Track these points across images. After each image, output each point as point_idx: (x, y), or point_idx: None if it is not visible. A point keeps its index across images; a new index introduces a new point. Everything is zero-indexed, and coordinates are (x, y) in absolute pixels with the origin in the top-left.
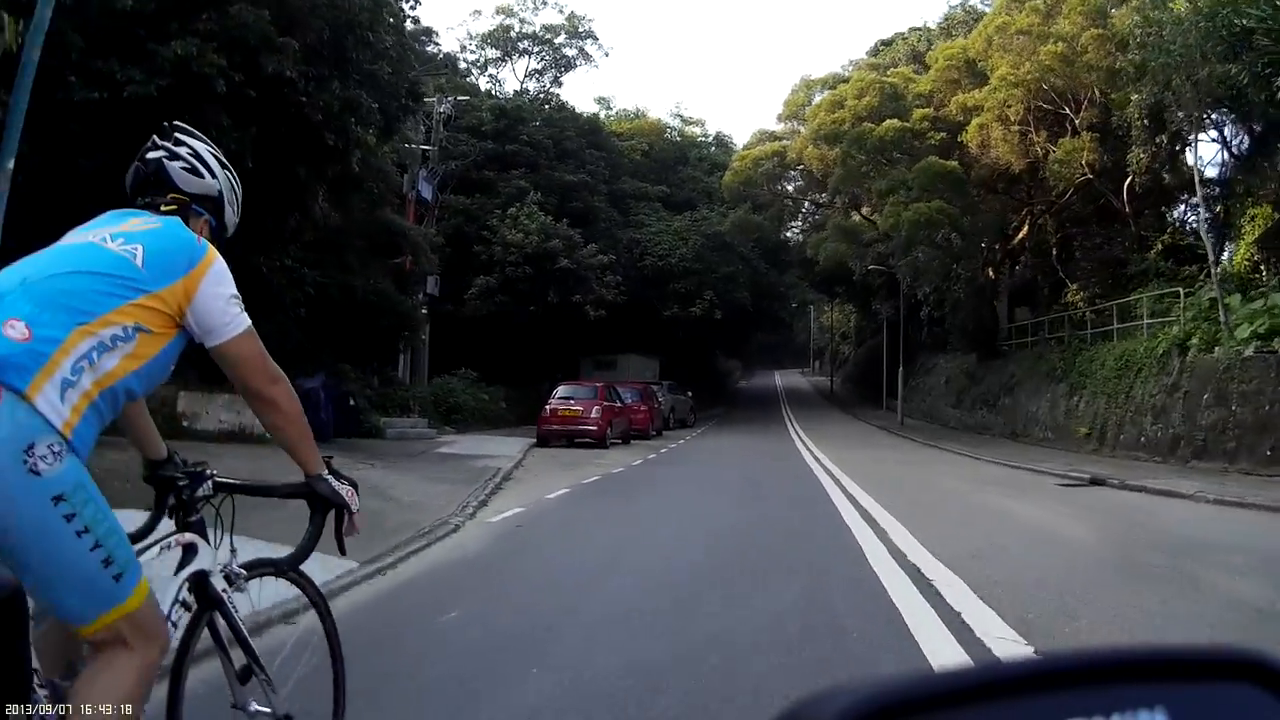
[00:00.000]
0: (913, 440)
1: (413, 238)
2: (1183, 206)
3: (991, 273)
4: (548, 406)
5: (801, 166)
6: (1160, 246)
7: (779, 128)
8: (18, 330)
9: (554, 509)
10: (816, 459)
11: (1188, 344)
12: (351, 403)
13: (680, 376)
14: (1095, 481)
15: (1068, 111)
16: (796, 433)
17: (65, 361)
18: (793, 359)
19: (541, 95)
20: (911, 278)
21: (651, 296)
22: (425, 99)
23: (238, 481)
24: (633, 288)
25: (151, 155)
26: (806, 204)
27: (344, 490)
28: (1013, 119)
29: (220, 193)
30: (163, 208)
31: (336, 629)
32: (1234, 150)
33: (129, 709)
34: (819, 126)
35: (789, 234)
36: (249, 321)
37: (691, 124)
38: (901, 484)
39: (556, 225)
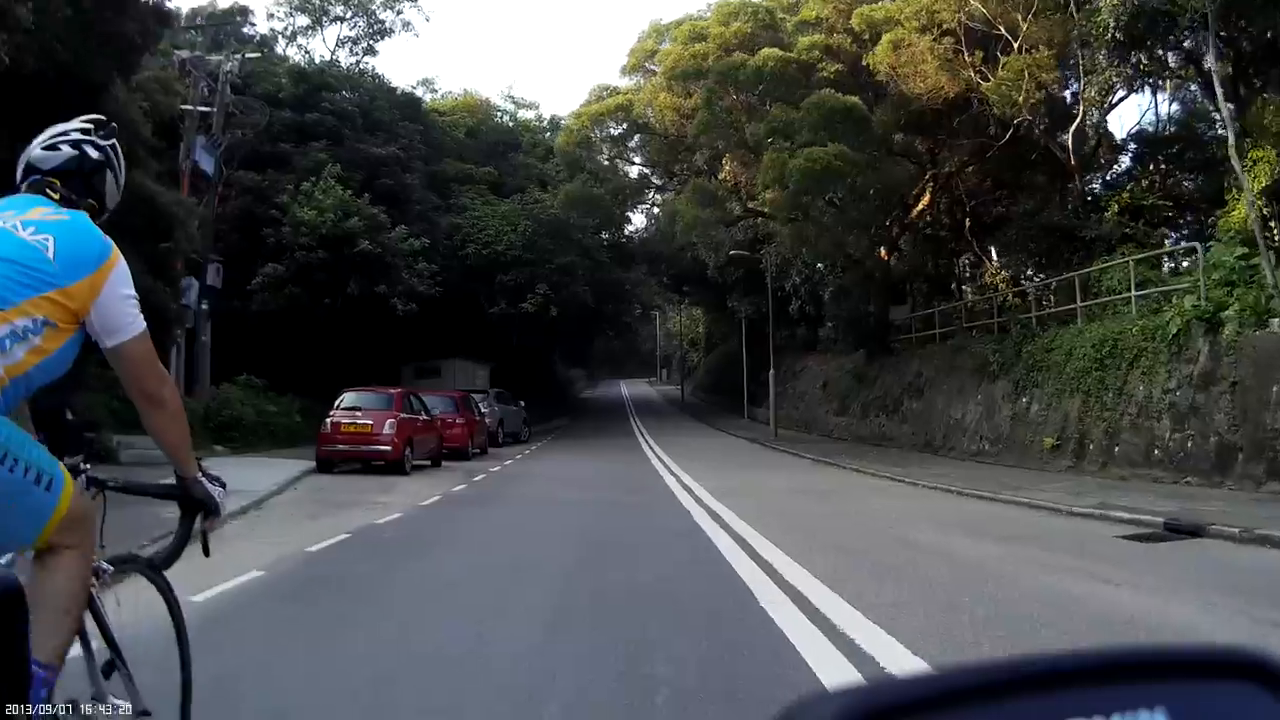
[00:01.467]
0: (800, 456)
1: (165, 207)
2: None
3: (884, 253)
4: (329, 419)
5: (647, 131)
6: (1117, 208)
7: (624, 83)
8: None
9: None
10: (689, 490)
11: (1218, 318)
12: (69, 416)
13: (517, 385)
14: (1178, 529)
15: (1001, 31)
16: (652, 449)
17: None
18: (639, 368)
19: (354, 66)
20: (789, 256)
21: (477, 291)
22: (211, 58)
23: (111, 480)
24: (453, 280)
25: (95, 154)
26: (655, 178)
27: (216, 492)
28: (942, 28)
29: (115, 205)
30: (50, 193)
31: (186, 630)
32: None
33: (79, 598)
34: (675, 64)
35: (633, 229)
36: (144, 323)
37: (525, 107)
38: (867, 545)
39: (357, 201)
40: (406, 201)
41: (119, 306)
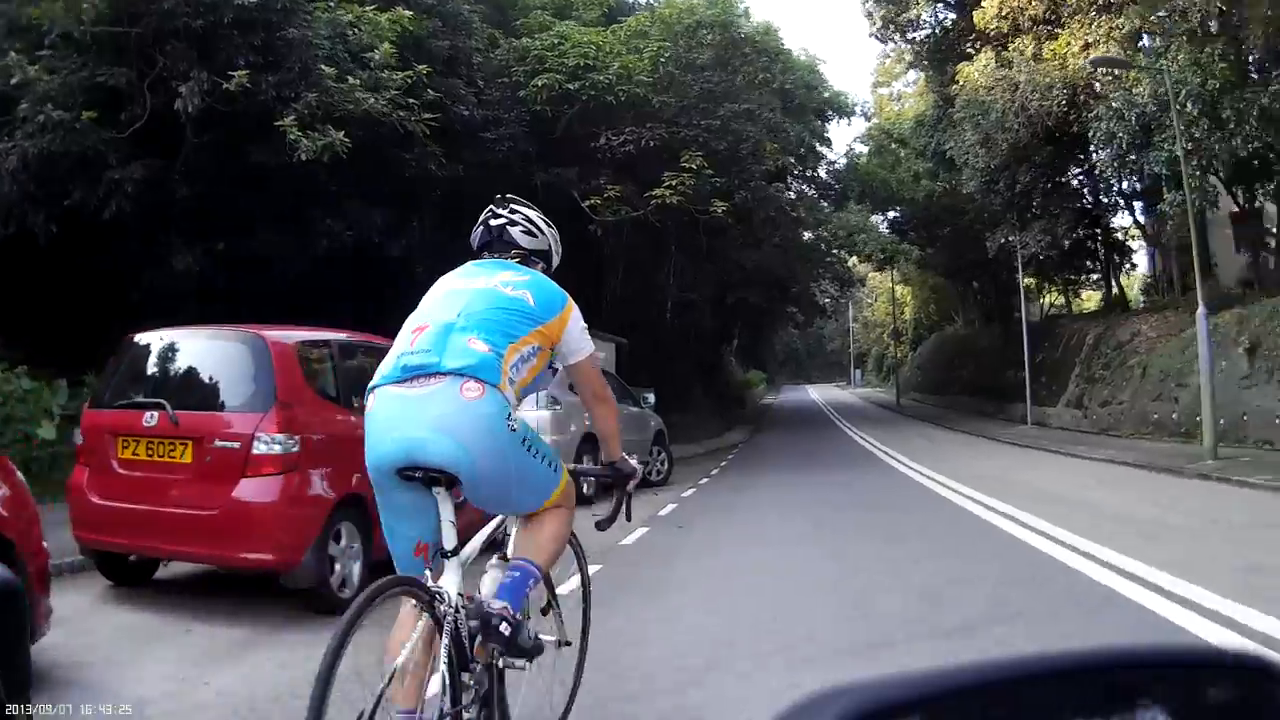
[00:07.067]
0: None
1: None
2: None
3: None
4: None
5: None
6: None
7: None
8: (481, 345)
9: None
10: None
11: None
12: None
13: (671, 385)
14: None
15: None
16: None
17: (509, 368)
18: (823, 370)
19: None
20: None
21: (563, 177)
22: None
23: (566, 467)
24: (504, 149)
25: (495, 222)
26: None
27: (635, 463)
28: None
29: (549, 247)
30: (508, 260)
31: (590, 579)
32: None
33: (560, 544)
34: None
35: (834, 156)
36: (594, 346)
37: None
38: None
39: None
40: None
41: (579, 336)
